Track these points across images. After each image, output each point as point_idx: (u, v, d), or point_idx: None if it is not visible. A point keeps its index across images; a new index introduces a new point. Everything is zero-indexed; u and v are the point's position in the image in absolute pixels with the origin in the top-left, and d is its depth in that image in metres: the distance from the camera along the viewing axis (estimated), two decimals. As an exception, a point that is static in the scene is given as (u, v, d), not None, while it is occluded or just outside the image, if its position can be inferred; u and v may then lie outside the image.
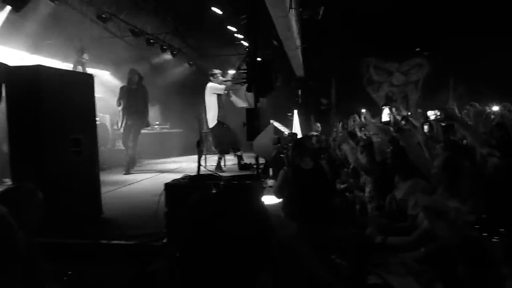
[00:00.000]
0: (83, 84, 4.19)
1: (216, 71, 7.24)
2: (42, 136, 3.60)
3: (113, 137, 10.91)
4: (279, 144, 4.74)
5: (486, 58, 10.13)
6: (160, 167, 9.00)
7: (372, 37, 10.81)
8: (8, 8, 5.77)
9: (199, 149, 3.65)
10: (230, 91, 7.06)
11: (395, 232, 2.82)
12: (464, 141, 3.60)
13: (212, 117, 6.99)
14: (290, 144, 3.95)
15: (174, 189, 3.13)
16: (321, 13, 6.05)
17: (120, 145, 10.81)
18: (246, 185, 2.67)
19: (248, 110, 3.81)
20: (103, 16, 7.22)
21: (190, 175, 3.48)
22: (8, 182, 5.92)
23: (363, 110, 8.82)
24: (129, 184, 6.71)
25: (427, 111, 4.77)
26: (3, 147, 6.43)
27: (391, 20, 9.70)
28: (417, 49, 13.00)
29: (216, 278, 1.09)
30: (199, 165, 3.61)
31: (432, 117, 4.46)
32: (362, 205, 4.40)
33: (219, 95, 6.93)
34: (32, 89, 3.54)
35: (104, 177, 5.66)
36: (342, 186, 5.33)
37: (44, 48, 7.26)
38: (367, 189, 4.52)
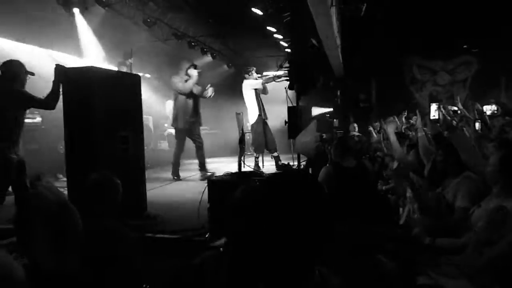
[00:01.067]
0: (131, 84, 4.38)
1: (251, 68, 7.30)
2: (94, 134, 3.80)
3: (156, 137, 11.33)
4: (320, 142, 4.68)
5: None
6: (196, 167, 9.19)
7: (416, 34, 10.40)
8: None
9: (241, 146, 3.69)
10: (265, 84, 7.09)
11: (444, 231, 2.70)
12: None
13: (253, 113, 7.06)
14: (333, 142, 3.88)
15: (217, 185, 3.19)
16: (363, 10, 5.91)
17: (161, 145, 11.23)
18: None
19: (289, 108, 3.79)
20: (148, 20, 7.52)
21: (231, 172, 3.53)
22: (62, 178, 6.33)
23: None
24: (170, 183, 6.93)
25: (479, 107, 4.49)
26: (58, 146, 6.90)
27: (436, 17, 9.27)
28: (465, 46, 12.32)
29: (270, 266, 1.07)
30: (240, 162, 3.65)
31: (488, 113, 4.20)
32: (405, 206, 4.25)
33: (256, 91, 6.98)
34: (84, 89, 3.76)
35: (148, 175, 5.90)
36: (384, 187, 5.19)
37: (93, 52, 7.69)
38: (409, 190, 4.35)
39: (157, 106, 11.12)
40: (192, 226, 3.55)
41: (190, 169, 8.79)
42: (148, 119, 10.23)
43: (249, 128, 7.19)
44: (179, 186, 6.65)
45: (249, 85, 6.96)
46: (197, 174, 7.40)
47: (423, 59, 13.07)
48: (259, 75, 7.22)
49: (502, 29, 9.81)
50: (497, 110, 3.92)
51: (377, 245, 2.36)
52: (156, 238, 3.44)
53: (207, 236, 3.26)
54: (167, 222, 4.01)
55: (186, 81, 6.67)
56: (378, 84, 13.06)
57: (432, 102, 12.32)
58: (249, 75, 7.13)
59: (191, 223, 3.65)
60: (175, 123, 6.98)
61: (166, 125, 11.84)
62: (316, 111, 10.43)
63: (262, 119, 7.03)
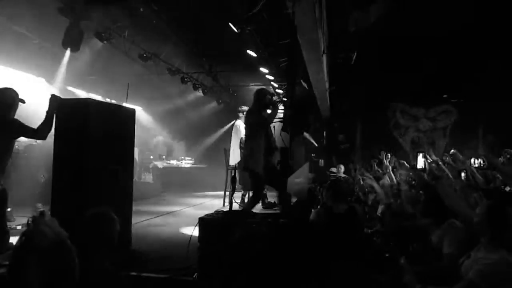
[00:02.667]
0: (125, 117, 4.41)
1: (245, 107, 7.38)
2: (84, 165, 3.75)
3: (140, 170, 11.22)
4: (313, 184, 4.73)
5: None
6: (184, 201, 9.10)
7: (401, 82, 10.90)
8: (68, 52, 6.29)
9: (233, 185, 3.70)
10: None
11: (433, 278, 2.72)
12: (507, 188, 3.51)
13: (235, 155, 7.05)
14: (324, 185, 3.93)
15: (208, 224, 3.15)
16: (354, 58, 6.22)
17: (145, 178, 11.10)
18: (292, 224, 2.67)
19: (282, 149, 3.87)
20: (144, 55, 7.69)
21: (222, 210, 3.50)
22: (40, 208, 6.12)
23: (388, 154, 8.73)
24: (156, 217, 6.79)
25: (459, 156, 4.68)
26: (38, 175, 6.73)
27: (420, 67, 9.79)
28: (445, 96, 12.95)
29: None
30: (231, 200, 3.64)
31: (475, 165, 4.38)
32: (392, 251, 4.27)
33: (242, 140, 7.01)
34: (79, 120, 3.75)
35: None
36: (370, 231, 5.22)
37: (87, 84, 7.75)
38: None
39: (143, 138, 11.11)
40: (179, 265, 3.46)
41: (180, 203, 8.69)
42: (134, 151, 10.17)
43: (237, 165, 7.18)
44: (167, 220, 6.54)
45: (239, 127, 6.98)
46: (185, 208, 7.29)
47: (407, 106, 13.62)
48: None
49: (480, 83, 10.40)
50: (484, 162, 4.10)
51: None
52: (141, 276, 3.33)
53: (194, 276, 3.18)
54: (153, 259, 3.90)
55: None
56: (363, 127, 13.45)
57: (415, 148, 12.70)
58: (242, 115, 7.22)
59: (178, 262, 3.56)
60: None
61: (151, 157, 11.79)
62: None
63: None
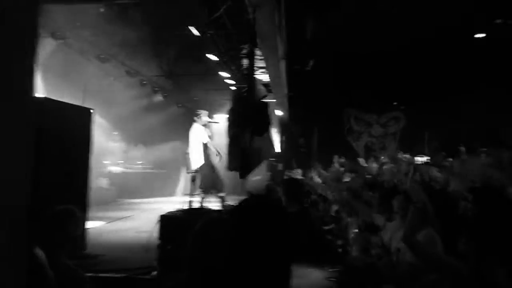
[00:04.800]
0: (82, 118, 4.31)
1: (201, 111, 7.38)
2: (38, 165, 3.63)
3: (94, 175, 10.80)
4: (271, 181, 4.88)
5: (457, 112, 10.89)
6: (140, 207, 8.93)
7: (354, 89, 11.49)
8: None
9: (192, 185, 3.75)
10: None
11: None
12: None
13: (196, 159, 7.05)
14: (281, 185, 4.08)
15: (170, 222, 3.18)
16: (311, 65, 6.51)
17: (100, 183, 10.71)
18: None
19: (242, 149, 3.97)
20: (102, 56, 7.50)
21: (183, 209, 3.54)
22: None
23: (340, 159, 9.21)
24: (112, 221, 6.63)
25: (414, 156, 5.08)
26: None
27: (373, 75, 10.38)
28: (394, 103, 13.81)
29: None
30: (192, 200, 3.69)
31: (421, 162, 4.76)
32: (344, 246, 4.53)
33: (205, 145, 7.07)
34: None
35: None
36: (326, 228, 5.47)
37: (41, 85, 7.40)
38: (351, 231, 4.67)
39: (98, 142, 10.73)
40: (137, 265, 3.45)
41: (134, 208, 8.50)
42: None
43: (198, 168, 7.19)
44: (123, 225, 6.40)
45: (197, 130, 6.98)
46: (142, 213, 7.16)
47: (360, 112, 14.32)
48: (210, 120, 7.29)
49: (426, 91, 11.24)
50: (429, 159, 4.48)
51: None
52: (98, 277, 3.27)
53: (154, 274, 3.19)
54: (110, 261, 3.84)
55: None
56: (320, 132, 13.95)
57: (368, 152, 13.34)
58: (198, 118, 7.22)
59: (137, 262, 3.55)
60: None
61: (107, 162, 11.41)
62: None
63: (210, 162, 7.03)
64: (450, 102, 10.99)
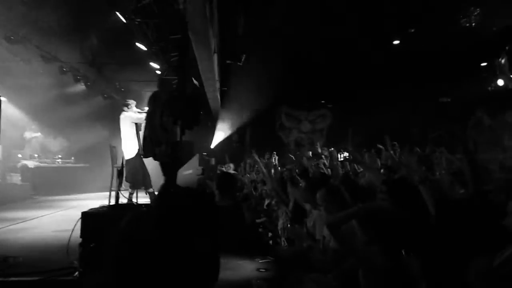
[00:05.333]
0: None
1: (131, 101, 7.05)
2: None
3: (4, 169, 9.72)
4: (202, 175, 4.83)
5: (376, 110, 11.87)
6: (60, 204, 8.24)
7: (285, 87, 11.86)
8: None
9: (119, 180, 3.57)
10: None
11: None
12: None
13: (130, 148, 6.67)
14: (214, 179, 4.07)
15: (92, 218, 2.99)
16: (243, 59, 6.55)
17: (12, 178, 9.66)
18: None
19: (172, 143, 3.87)
20: (12, 38, 6.72)
21: (108, 205, 3.36)
22: None
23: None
24: (26, 221, 6.03)
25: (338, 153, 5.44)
26: None
27: (304, 73, 10.81)
28: (322, 102, 14.58)
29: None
30: (118, 194, 3.52)
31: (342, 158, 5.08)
32: (275, 238, 4.69)
33: (137, 126, 6.68)
34: None
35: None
36: (258, 221, 5.61)
37: None
38: (280, 222, 4.85)
39: (10, 134, 9.66)
40: (57, 266, 3.19)
41: (52, 206, 7.81)
42: (-2, 147, 8.80)
43: (125, 162, 6.81)
44: (40, 224, 5.85)
45: (129, 118, 6.62)
46: (61, 210, 6.63)
47: (291, 108, 14.85)
48: (139, 110, 6.98)
49: (351, 91, 12.05)
50: (348, 156, 4.83)
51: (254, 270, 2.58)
52: (10, 282, 2.97)
53: (75, 274, 2.99)
54: (24, 263, 3.50)
55: None
56: (252, 127, 14.19)
57: (298, 147, 13.90)
58: (128, 108, 6.86)
59: (57, 263, 3.29)
60: None
61: (20, 155, 10.34)
62: None
63: (139, 155, 6.73)
64: (372, 102, 11.95)
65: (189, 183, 4.22)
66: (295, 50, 8.45)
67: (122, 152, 6.74)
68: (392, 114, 11.69)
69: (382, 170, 4.65)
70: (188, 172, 3.75)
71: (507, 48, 8.98)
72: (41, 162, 10.57)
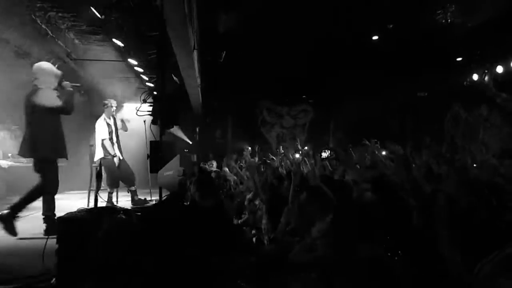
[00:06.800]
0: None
1: (108, 101, 6.98)
2: None
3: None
4: (183, 176, 4.76)
5: (357, 105, 12.03)
6: (36, 205, 7.95)
7: (266, 82, 11.84)
8: None
9: (98, 180, 3.47)
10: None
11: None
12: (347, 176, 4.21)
13: (97, 153, 6.71)
14: (193, 179, 4.01)
15: (69, 223, 2.89)
16: (223, 56, 6.48)
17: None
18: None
19: (152, 142, 3.79)
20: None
21: (86, 208, 3.26)
22: None
23: (249, 148, 9.54)
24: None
25: (320, 151, 5.47)
26: None
27: (285, 68, 10.80)
28: (303, 96, 14.63)
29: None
30: (97, 197, 3.42)
31: (324, 156, 5.12)
32: (258, 237, 4.69)
33: (109, 127, 6.73)
34: None
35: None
36: (240, 221, 5.58)
37: None
38: (264, 222, 4.84)
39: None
40: (33, 273, 3.08)
41: (31, 207, 7.52)
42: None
43: (101, 161, 6.75)
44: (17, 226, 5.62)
45: (98, 129, 6.74)
46: (37, 212, 6.40)
47: (272, 104, 14.85)
48: (114, 112, 6.97)
49: (332, 86, 12.13)
50: (331, 154, 4.86)
51: (238, 271, 2.56)
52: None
53: (52, 282, 2.89)
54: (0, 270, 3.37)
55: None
56: (234, 123, 14.13)
57: (279, 142, 13.92)
58: (106, 108, 6.83)
59: (31, 270, 3.17)
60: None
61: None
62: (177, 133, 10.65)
63: (110, 158, 6.73)
64: (352, 97, 12.09)
65: (170, 184, 4.16)
66: (276, 45, 8.43)
67: (97, 152, 6.71)
68: (372, 108, 11.89)
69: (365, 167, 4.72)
70: (169, 173, 3.69)
71: (487, 66, 9.37)
72: (15, 162, 10.20)
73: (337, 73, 10.78)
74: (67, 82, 5.07)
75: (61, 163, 10.94)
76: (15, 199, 8.69)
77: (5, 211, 4.69)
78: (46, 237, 3.13)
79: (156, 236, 1.07)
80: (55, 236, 2.91)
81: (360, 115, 12.08)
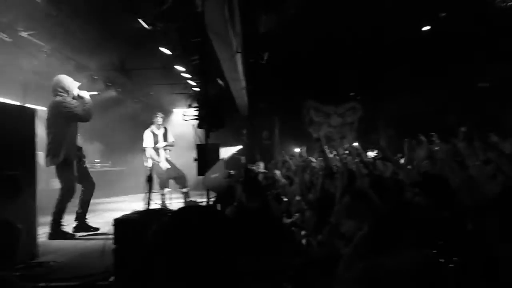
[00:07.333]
0: (24, 118, 4.04)
1: (156, 116, 7.56)
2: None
3: (48, 175, 10.21)
4: (229, 179, 4.85)
5: (409, 99, 11.40)
6: (99, 207, 8.57)
7: (312, 81, 11.69)
8: None
9: (149, 184, 3.65)
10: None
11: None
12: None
13: (147, 160, 7.32)
14: (240, 181, 4.06)
15: (124, 225, 3.07)
16: (265, 58, 6.50)
17: (53, 184, 10.13)
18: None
19: (198, 146, 3.90)
20: (44, 50, 7.04)
21: (139, 210, 3.43)
22: None
23: (297, 150, 9.41)
24: (67, 225, 6.30)
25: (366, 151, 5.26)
26: None
27: (328, 67, 10.61)
28: (351, 94, 14.22)
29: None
30: (149, 199, 3.59)
31: (371, 155, 4.91)
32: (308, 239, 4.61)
33: (155, 137, 7.30)
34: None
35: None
36: (288, 221, 5.53)
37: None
38: (312, 223, 4.75)
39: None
40: (94, 271, 3.31)
41: (91, 209, 8.13)
42: (39, 155, 9.25)
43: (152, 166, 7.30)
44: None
45: (145, 139, 7.40)
46: (100, 213, 6.92)
47: (319, 103, 14.62)
48: (160, 123, 7.60)
49: (381, 82, 11.66)
50: (377, 154, 4.65)
51: (281, 272, 2.53)
52: (50, 287, 3.11)
53: (110, 280, 3.08)
54: (64, 268, 3.65)
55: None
56: (281, 124, 14.10)
57: (328, 142, 13.66)
58: (154, 121, 7.42)
59: (94, 268, 3.41)
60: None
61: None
62: (226, 151, 10.90)
63: (158, 164, 7.26)
64: (404, 91, 11.50)
65: (216, 186, 4.24)
66: (319, 43, 8.28)
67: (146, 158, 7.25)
68: (426, 103, 11.19)
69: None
70: (215, 175, 3.77)
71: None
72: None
73: (387, 67, 10.35)
74: (85, 91, 5.46)
75: (121, 167, 11.70)
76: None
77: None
78: (105, 237, 3.33)
79: (198, 236, 1.10)
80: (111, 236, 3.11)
81: (413, 110, 11.42)
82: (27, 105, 5.92)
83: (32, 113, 4.23)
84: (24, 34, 6.53)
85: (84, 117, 5.35)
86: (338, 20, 7.11)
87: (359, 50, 9.50)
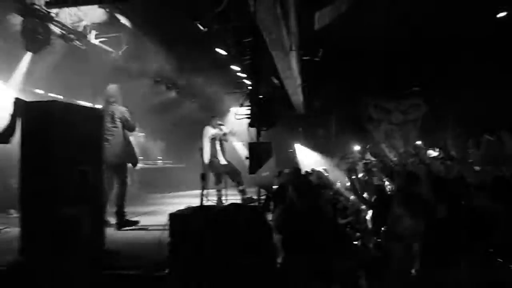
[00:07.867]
0: (93, 118, 4.40)
1: (216, 116, 7.91)
2: (52, 167, 3.73)
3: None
4: (279, 177, 4.85)
5: (480, 95, 10.42)
6: (161, 201, 9.10)
7: (371, 77, 11.22)
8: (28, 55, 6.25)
9: (203, 182, 3.77)
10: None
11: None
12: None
13: (205, 156, 7.44)
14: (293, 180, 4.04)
15: (178, 219, 3.22)
16: (320, 54, 6.39)
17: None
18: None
19: (250, 144, 3.95)
20: (113, 56, 7.65)
21: (193, 206, 3.57)
22: (13, 214, 6.03)
23: (356, 148, 9.03)
24: (131, 218, 6.75)
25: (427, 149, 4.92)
26: (11, 181, 6.59)
27: (389, 61, 10.10)
28: (415, 89, 13.36)
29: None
30: (202, 196, 3.72)
31: (433, 154, 4.62)
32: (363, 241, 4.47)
33: (212, 139, 7.50)
34: (46, 123, 3.73)
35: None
36: (343, 221, 5.39)
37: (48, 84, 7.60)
38: (367, 224, 4.60)
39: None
40: (152, 261, 3.51)
41: (157, 203, 8.69)
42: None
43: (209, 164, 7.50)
44: (142, 220, 6.50)
45: (208, 132, 7.54)
46: (161, 207, 7.41)
47: (378, 99, 13.97)
48: (219, 123, 7.79)
49: (447, 76, 10.82)
50: (439, 154, 4.34)
51: (331, 272, 2.49)
52: (115, 274, 3.36)
53: (166, 271, 3.24)
54: (127, 258, 3.93)
55: None
56: (337, 121, 13.74)
57: (388, 140, 12.98)
58: (212, 121, 7.60)
59: (152, 259, 3.62)
60: None
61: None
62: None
63: (215, 160, 7.47)
64: (475, 86, 10.53)
65: (266, 185, 4.26)
66: (377, 34, 7.87)
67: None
68: (499, 99, 10.12)
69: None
70: (266, 173, 3.77)
71: None
72: (145, 164, 11.81)
73: (456, 59, 9.55)
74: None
75: (181, 164, 12.30)
76: (148, 196, 10.12)
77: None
78: (162, 229, 3.52)
79: (238, 233, 1.12)
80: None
81: (485, 107, 10.36)
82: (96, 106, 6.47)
83: (100, 113, 4.61)
84: (95, 41, 7.17)
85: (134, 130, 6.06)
86: (395, 12, 6.72)
87: (424, 39, 8.86)
